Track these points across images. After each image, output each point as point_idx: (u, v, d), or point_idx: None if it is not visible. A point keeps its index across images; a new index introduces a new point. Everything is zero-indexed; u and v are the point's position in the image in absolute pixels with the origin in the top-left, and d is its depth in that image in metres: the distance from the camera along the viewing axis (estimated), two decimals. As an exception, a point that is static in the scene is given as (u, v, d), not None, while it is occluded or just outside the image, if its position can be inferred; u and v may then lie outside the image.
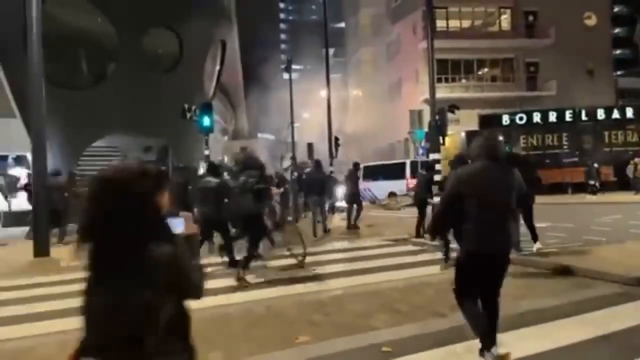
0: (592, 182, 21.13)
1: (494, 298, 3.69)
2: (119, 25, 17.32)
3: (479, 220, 3.53)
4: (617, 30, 44.23)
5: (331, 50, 49.18)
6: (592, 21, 30.77)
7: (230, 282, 6.96)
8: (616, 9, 44.28)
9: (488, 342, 3.51)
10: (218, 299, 5.76)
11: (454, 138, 27.62)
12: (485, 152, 3.60)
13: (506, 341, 3.76)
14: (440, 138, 13.00)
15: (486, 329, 3.57)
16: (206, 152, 10.24)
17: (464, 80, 30.01)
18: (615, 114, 26.51)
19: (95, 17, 17.53)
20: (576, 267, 6.94)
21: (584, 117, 26.44)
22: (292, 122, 27.60)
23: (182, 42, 19.16)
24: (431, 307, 5.56)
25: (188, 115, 10.78)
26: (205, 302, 5.79)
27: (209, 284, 5.98)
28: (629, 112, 26.24)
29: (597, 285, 6.20)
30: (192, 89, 18.58)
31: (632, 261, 7.02)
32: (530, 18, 30.34)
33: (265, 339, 4.73)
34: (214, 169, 7.85)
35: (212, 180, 7.55)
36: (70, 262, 8.00)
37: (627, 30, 48.23)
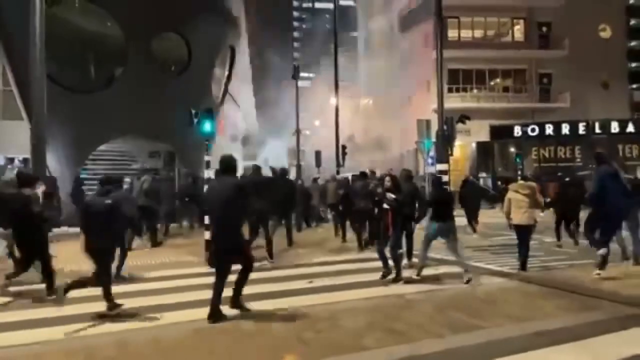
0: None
1: None
2: (128, 30, 17.34)
3: None
4: (633, 43, 43.59)
5: (343, 59, 49.32)
6: (607, 33, 30.32)
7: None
8: (632, 22, 43.67)
9: None
10: (207, 312, 5.54)
11: (465, 149, 27.33)
12: None
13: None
14: (448, 148, 12.77)
15: None
16: (207, 159, 10.08)
17: (475, 91, 29.67)
18: (630, 128, 26.02)
19: (104, 21, 17.58)
20: (583, 286, 6.64)
21: (597, 130, 25.98)
22: (297, 130, 27.49)
23: (190, 47, 19.13)
24: (429, 326, 5.30)
25: (195, 121, 10.65)
26: (190, 315, 5.68)
27: (196, 296, 5.77)
28: (645, 126, 25.73)
29: (604, 307, 5.89)
30: (200, 95, 18.50)
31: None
32: (544, 29, 29.97)
33: (249, 357, 4.51)
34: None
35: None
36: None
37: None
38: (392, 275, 7.55)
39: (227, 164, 5.89)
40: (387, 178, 7.67)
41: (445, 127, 12.65)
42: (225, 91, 23.67)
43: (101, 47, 17.66)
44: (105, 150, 18.53)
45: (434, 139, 13.69)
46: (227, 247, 5.68)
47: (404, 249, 8.24)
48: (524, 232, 7.92)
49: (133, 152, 19.93)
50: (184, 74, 19.13)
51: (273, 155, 47.00)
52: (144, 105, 16.90)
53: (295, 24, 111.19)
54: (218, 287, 5.54)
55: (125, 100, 16.48)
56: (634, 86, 37.70)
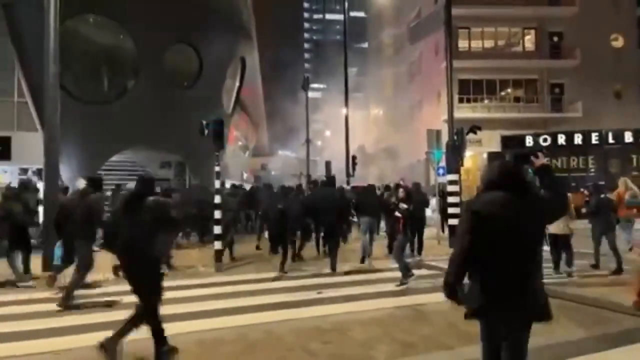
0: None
1: None
2: (140, 42, 17.61)
3: None
4: (646, 52, 43.16)
5: (354, 70, 49.57)
6: (619, 42, 30.07)
7: (228, 303, 6.74)
8: (645, 31, 43.29)
9: None
10: (212, 322, 5.53)
11: (476, 159, 27.14)
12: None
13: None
14: (459, 159, 12.69)
15: None
16: (217, 169, 10.12)
17: (486, 101, 29.53)
18: (644, 137, 25.65)
19: (117, 34, 17.87)
20: (596, 298, 6.51)
21: (610, 140, 25.66)
22: (307, 140, 27.55)
23: (201, 58, 19.35)
24: (438, 338, 5.24)
25: (206, 131, 10.73)
26: (198, 324, 5.67)
27: (205, 306, 5.76)
28: (659, 136, 25.37)
29: (619, 319, 5.77)
30: (211, 106, 18.68)
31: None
32: (555, 39, 29.80)
33: (255, 368, 4.49)
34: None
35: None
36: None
37: (657, 52, 47.06)
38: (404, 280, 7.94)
39: (330, 179, 10.31)
40: (401, 190, 8.52)
41: (455, 138, 12.60)
42: (236, 102, 23.87)
43: (114, 60, 17.96)
44: (117, 161, 18.73)
45: (444, 150, 13.62)
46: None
47: (407, 252, 9.30)
48: (562, 242, 8.22)
49: (144, 163, 20.12)
50: (195, 86, 19.35)
51: (285, 165, 47.27)
52: (156, 116, 17.11)
53: (306, 35, 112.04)
54: None
55: (137, 111, 16.70)
56: (648, 96, 37.23)
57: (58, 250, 7.68)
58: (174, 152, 19.39)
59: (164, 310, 6.30)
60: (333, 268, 9.30)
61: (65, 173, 14.94)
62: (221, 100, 21.64)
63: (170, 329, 5.58)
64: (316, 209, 9.73)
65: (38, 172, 16.71)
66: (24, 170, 17.88)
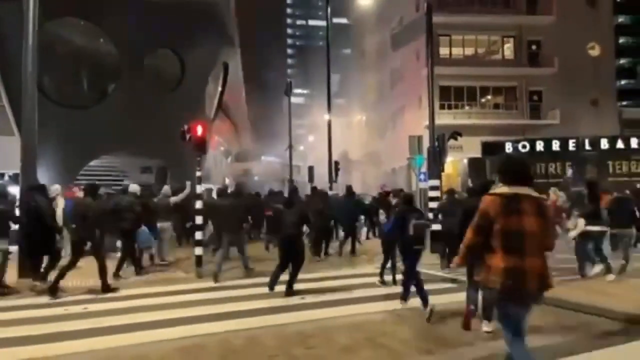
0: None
1: None
2: (122, 46, 17.45)
3: None
4: (622, 61, 44.32)
5: (337, 76, 49.78)
6: (596, 51, 30.77)
7: (210, 309, 6.69)
8: (621, 40, 44.45)
9: None
10: (194, 328, 5.47)
11: (457, 165, 27.46)
12: None
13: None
14: (440, 165, 12.83)
15: None
16: (198, 174, 10.05)
17: (467, 107, 29.92)
18: (620, 144, 26.28)
19: (98, 37, 17.69)
20: (574, 301, 6.63)
21: (587, 147, 26.23)
22: (290, 146, 27.52)
23: (183, 63, 19.26)
24: (419, 342, 5.27)
25: (187, 136, 10.65)
26: (180, 331, 5.61)
27: (187, 313, 5.71)
28: (634, 143, 26.02)
29: (597, 323, 5.88)
30: (192, 111, 18.56)
31: (635, 295, 6.72)
32: (534, 47, 30.39)
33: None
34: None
35: None
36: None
37: (631, 61, 48.37)
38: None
39: (349, 190, 12.94)
40: (396, 199, 8.87)
41: (437, 144, 12.74)
42: (219, 107, 23.77)
43: (94, 63, 17.75)
44: (96, 166, 18.47)
45: (425, 156, 13.75)
46: None
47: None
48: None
49: (125, 168, 19.89)
50: (177, 90, 19.23)
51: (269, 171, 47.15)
52: (137, 121, 16.94)
53: (289, 41, 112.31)
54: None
55: (117, 115, 16.53)
56: (623, 103, 38.18)
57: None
58: (155, 157, 19.21)
59: (142, 318, 6.26)
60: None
61: (43, 178, 14.65)
62: (203, 105, 21.55)
63: (150, 336, 5.54)
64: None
65: (15, 177, 16.39)
66: (0, 175, 17.52)
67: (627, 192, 11.57)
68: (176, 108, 17.36)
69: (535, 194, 3.48)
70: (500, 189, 3.51)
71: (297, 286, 7.82)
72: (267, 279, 8.00)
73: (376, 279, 8.57)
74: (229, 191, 11.89)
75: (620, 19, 44.58)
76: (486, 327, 5.42)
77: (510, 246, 3.34)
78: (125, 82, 17.62)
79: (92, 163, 17.90)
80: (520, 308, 3.38)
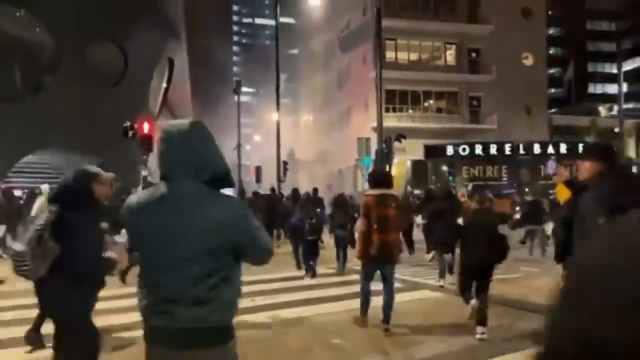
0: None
1: None
2: (60, 36, 16.55)
3: None
4: (552, 71, 47.17)
5: (284, 76, 49.58)
6: (529, 61, 32.59)
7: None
8: (552, 51, 47.30)
9: None
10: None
11: (401, 167, 28.22)
12: None
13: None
14: (387, 166, 13.16)
15: None
16: (144, 173, 9.75)
17: (411, 111, 30.80)
18: (550, 149, 28.03)
19: (32, 26, 16.68)
20: (511, 298, 7.00)
21: (522, 151, 27.76)
22: (238, 145, 27.18)
23: (126, 57, 18.54)
24: (373, 342, 5.38)
25: (130, 133, 10.28)
26: (128, 337, 5.39)
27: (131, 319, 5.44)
28: (563, 148, 27.84)
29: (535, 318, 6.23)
30: (135, 107, 17.91)
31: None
32: (474, 55, 31.76)
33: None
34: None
35: None
36: None
37: (561, 71, 51.66)
38: None
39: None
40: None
41: (384, 145, 13.05)
42: (164, 104, 23.06)
43: (28, 53, 16.72)
44: (30, 163, 17.41)
45: (373, 157, 14.04)
46: None
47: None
48: None
49: (61, 165, 18.85)
50: (119, 85, 18.48)
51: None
52: (75, 116, 16.14)
53: (235, 38, 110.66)
54: None
55: (54, 110, 15.67)
56: (553, 111, 40.70)
57: None
58: (94, 154, 18.33)
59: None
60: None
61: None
62: (147, 101, 20.84)
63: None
64: None
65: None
66: None
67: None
68: (118, 103, 16.68)
69: (394, 192, 5.79)
70: (372, 191, 5.56)
71: (249, 288, 7.73)
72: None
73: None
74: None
75: (551, 31, 47.43)
76: (479, 333, 5.30)
77: (380, 227, 5.30)
78: (63, 74, 16.71)
79: (25, 160, 16.86)
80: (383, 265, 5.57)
